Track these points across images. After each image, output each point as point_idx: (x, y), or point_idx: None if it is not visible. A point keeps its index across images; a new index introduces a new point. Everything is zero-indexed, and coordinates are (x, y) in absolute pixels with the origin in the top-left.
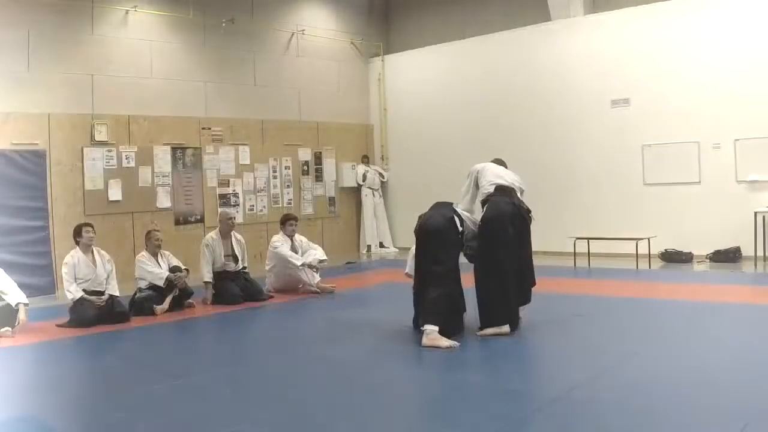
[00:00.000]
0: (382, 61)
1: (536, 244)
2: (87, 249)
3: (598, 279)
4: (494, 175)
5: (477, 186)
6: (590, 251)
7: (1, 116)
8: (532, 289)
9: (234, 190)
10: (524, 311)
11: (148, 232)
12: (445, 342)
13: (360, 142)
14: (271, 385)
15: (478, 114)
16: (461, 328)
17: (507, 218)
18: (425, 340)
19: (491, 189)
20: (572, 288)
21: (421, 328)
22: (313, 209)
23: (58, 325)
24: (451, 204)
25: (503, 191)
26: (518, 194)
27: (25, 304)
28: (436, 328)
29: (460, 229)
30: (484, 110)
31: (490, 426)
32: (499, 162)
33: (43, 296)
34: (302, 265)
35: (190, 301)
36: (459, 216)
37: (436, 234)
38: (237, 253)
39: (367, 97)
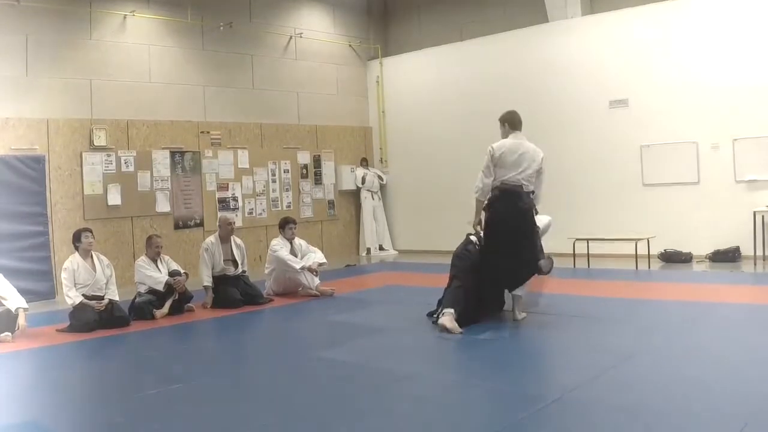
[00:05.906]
0: (381, 63)
1: None
2: (86, 254)
3: (597, 280)
4: (504, 167)
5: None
6: (590, 252)
7: (0, 121)
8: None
9: (233, 194)
10: (525, 313)
11: (150, 237)
12: (450, 325)
13: (359, 144)
14: (273, 388)
15: (476, 116)
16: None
17: (507, 224)
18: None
19: (496, 192)
20: (571, 289)
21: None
22: (313, 212)
23: (58, 330)
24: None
25: (508, 193)
26: (525, 188)
27: (25, 309)
28: (452, 311)
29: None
30: (483, 112)
31: (490, 428)
32: (515, 122)
33: (43, 301)
34: (302, 268)
35: (189, 305)
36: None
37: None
38: (236, 257)
39: (365, 99)
